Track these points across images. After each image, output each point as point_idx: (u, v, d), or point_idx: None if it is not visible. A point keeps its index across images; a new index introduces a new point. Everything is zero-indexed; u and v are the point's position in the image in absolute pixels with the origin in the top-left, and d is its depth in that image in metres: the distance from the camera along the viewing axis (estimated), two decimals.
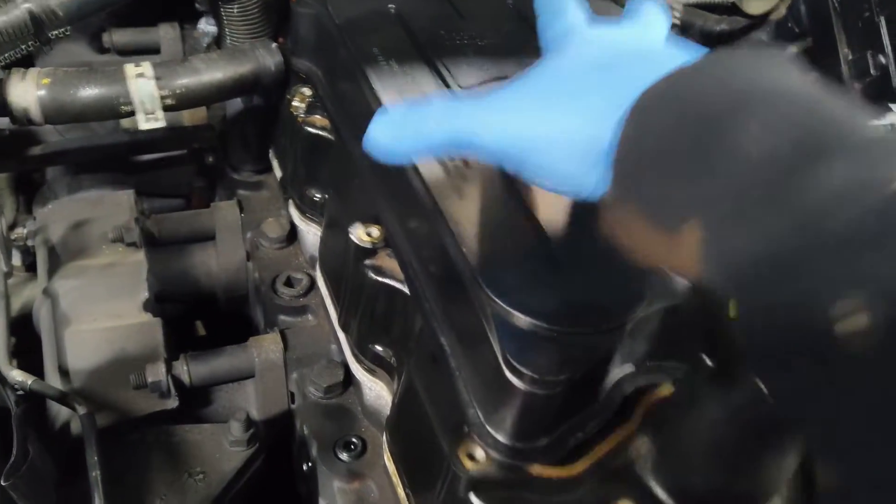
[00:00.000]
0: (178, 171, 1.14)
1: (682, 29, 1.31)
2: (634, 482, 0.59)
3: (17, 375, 0.77)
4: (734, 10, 1.36)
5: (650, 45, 0.56)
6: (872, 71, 1.03)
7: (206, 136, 1.09)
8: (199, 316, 1.11)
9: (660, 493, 0.58)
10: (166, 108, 0.84)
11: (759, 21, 1.23)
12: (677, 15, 1.22)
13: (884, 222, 0.35)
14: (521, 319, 0.57)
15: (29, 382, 0.76)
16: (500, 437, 0.58)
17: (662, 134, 0.46)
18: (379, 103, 0.78)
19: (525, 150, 0.53)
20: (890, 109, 1.07)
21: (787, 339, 0.37)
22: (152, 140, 1.07)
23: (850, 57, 1.05)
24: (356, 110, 0.82)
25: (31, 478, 0.65)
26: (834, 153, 0.39)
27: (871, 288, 0.34)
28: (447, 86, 0.81)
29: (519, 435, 0.57)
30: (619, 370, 0.60)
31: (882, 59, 1.02)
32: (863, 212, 0.36)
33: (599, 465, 0.59)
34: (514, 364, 0.55)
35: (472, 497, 0.57)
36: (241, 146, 1.05)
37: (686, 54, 0.51)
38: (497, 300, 0.58)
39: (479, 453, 0.57)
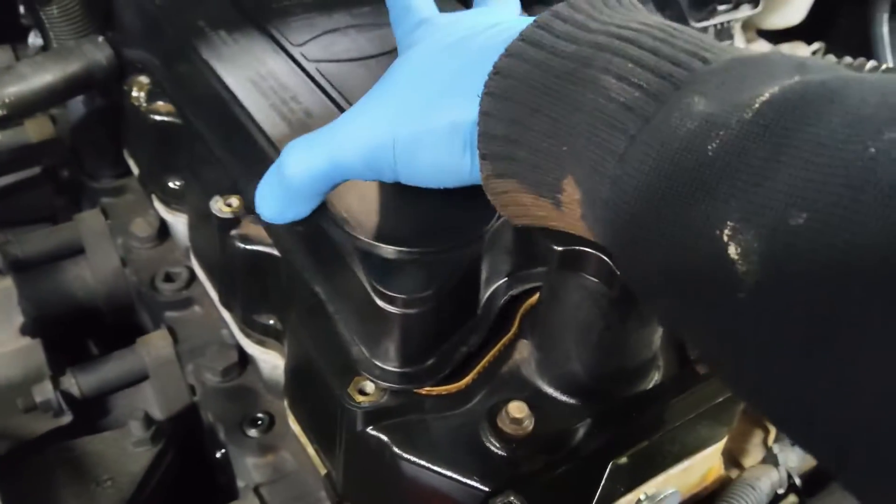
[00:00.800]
0: (35, 193, 1.10)
1: None
2: (522, 384, 0.61)
3: None
4: None
5: (502, 19, 0.55)
6: None
7: (56, 151, 1.05)
8: (89, 335, 1.08)
9: (547, 388, 0.61)
10: (0, 121, 0.81)
11: None
12: None
13: (751, 146, 0.35)
14: (382, 248, 0.58)
15: None
16: (388, 366, 0.58)
17: (522, 95, 0.45)
18: (216, 76, 0.77)
19: (395, 155, 0.52)
20: (716, 11, 1.13)
21: (677, 271, 0.38)
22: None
23: None
24: (196, 88, 0.81)
25: None
26: (692, 84, 0.39)
27: (747, 212, 0.34)
28: (280, 45, 0.81)
29: (404, 359, 0.58)
30: (492, 282, 0.62)
31: None
32: (731, 138, 0.35)
33: (486, 374, 0.61)
34: (382, 290, 0.56)
35: (370, 430, 0.58)
36: (94, 153, 1.02)
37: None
38: (356, 235, 0.58)
39: (369, 386, 0.58)
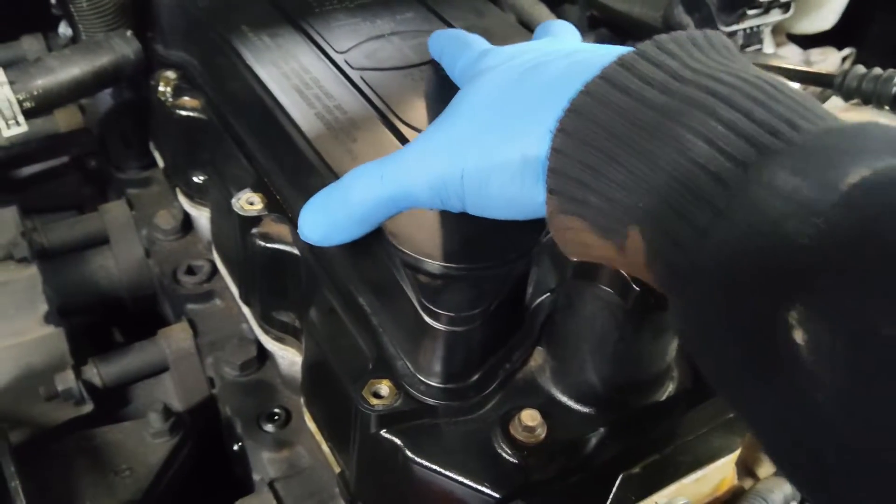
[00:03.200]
0: (63, 181, 1.11)
1: None
2: (536, 392, 0.61)
3: None
4: None
5: (574, 48, 0.52)
6: None
7: (84, 141, 1.06)
8: (113, 323, 1.09)
9: (561, 397, 0.61)
10: (27, 112, 0.82)
11: None
12: None
13: (833, 233, 0.33)
14: (430, 264, 0.58)
15: None
16: (432, 382, 0.58)
17: (600, 140, 0.43)
18: (256, 79, 0.77)
19: (462, 187, 0.51)
20: (746, 15, 1.12)
21: (750, 362, 0.36)
22: (29, 152, 1.04)
23: None
24: (236, 90, 0.81)
25: None
26: (785, 157, 0.37)
27: (819, 303, 0.32)
28: (323, 52, 0.81)
29: (448, 376, 0.58)
30: (536, 297, 0.61)
31: None
32: (813, 221, 0.33)
33: (502, 382, 0.61)
34: (430, 307, 0.56)
35: (383, 433, 0.58)
36: (121, 145, 1.03)
37: (613, 50, 0.47)
38: (404, 249, 0.59)
39: (384, 390, 0.59)
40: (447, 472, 0.57)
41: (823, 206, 0.34)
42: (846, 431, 0.32)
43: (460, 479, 0.56)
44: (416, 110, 0.73)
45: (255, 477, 0.78)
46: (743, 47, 1.15)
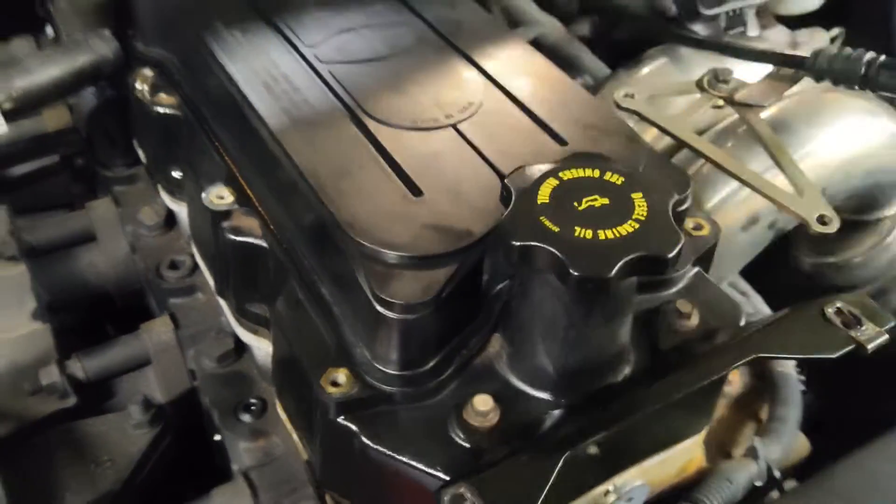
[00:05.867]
0: (52, 181, 1.14)
1: None
2: (493, 377, 0.62)
3: None
4: None
5: None
6: None
7: (72, 140, 1.08)
8: (103, 319, 1.11)
9: (517, 382, 0.62)
10: (8, 113, 0.84)
11: None
12: None
13: None
14: (382, 253, 0.59)
15: None
16: (389, 370, 0.60)
17: None
18: (227, 74, 0.78)
19: None
20: (745, 24, 1.11)
21: None
22: (18, 152, 1.06)
23: None
24: (209, 86, 0.83)
25: None
26: None
27: None
28: (293, 46, 0.82)
29: (405, 363, 0.60)
30: (494, 285, 0.62)
31: None
32: None
33: (458, 368, 0.62)
34: (382, 296, 0.57)
35: (341, 420, 0.59)
36: (106, 142, 1.05)
37: None
38: (358, 239, 0.60)
39: (341, 378, 0.60)
40: (402, 458, 0.58)
41: None
42: None
43: (414, 463, 0.57)
44: (382, 102, 0.74)
45: (234, 466, 0.80)
46: (726, 29, 1.15)
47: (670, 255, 0.52)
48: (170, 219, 0.98)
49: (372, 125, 0.71)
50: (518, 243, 0.53)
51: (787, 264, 1.11)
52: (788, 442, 0.81)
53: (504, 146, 0.69)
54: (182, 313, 0.90)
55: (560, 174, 0.57)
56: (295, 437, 0.73)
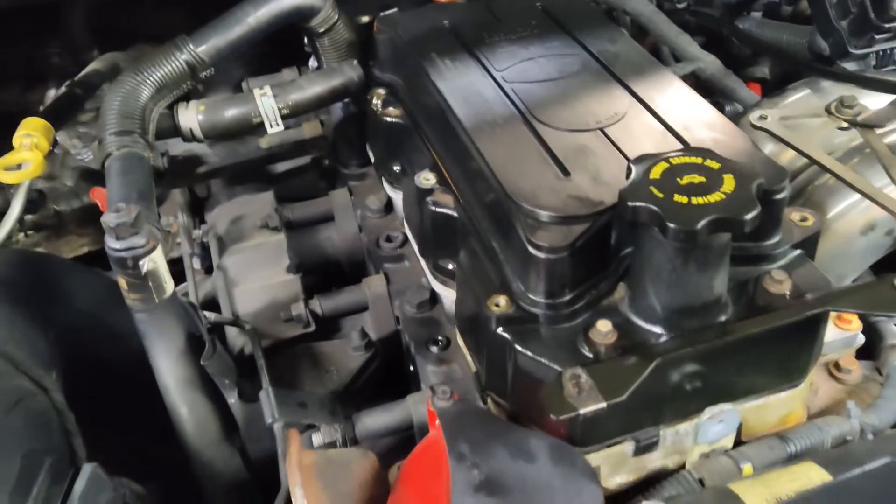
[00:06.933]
0: (305, 177, 1.48)
1: (702, 2, 1.51)
2: (616, 314, 0.83)
3: (207, 314, 1.11)
4: None
5: None
6: (853, 9, 1.20)
7: (321, 145, 1.42)
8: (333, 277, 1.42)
9: (634, 318, 0.82)
10: (284, 117, 1.17)
11: None
12: None
13: None
14: (535, 212, 0.83)
15: (212, 317, 1.10)
16: (538, 297, 0.83)
17: None
18: (438, 91, 1.06)
19: None
20: (875, 39, 1.24)
21: None
22: (282, 153, 1.41)
23: (835, 1, 1.22)
24: (425, 100, 1.11)
25: (218, 364, 0.98)
26: None
27: None
28: (487, 71, 1.09)
29: (548, 293, 0.82)
30: (623, 248, 0.84)
31: None
32: None
33: (589, 303, 0.83)
34: (534, 241, 0.81)
35: (499, 331, 0.83)
36: (347, 147, 1.37)
37: None
38: (519, 202, 0.84)
39: (502, 301, 0.83)
40: (541, 359, 0.80)
41: None
42: None
43: (549, 363, 0.79)
44: (548, 111, 0.98)
45: (423, 386, 1.05)
46: (876, 67, 1.27)
47: (745, 218, 0.71)
48: (389, 205, 1.27)
49: (539, 127, 0.95)
50: (631, 203, 0.74)
51: None
52: (887, 417, 0.93)
53: (638, 144, 0.90)
54: (392, 274, 1.18)
55: (671, 159, 0.78)
56: (469, 358, 0.97)
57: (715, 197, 0.73)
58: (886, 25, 1.20)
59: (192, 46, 1.14)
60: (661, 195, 0.74)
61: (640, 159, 0.79)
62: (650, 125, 0.95)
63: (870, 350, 1.05)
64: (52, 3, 1.23)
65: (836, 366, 1.02)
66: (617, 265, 0.84)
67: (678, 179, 0.76)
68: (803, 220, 0.90)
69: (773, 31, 1.42)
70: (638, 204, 0.74)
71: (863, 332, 0.96)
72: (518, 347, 0.82)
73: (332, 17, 1.23)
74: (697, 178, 0.76)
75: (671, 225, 0.72)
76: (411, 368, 1.10)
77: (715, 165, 0.77)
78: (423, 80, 1.10)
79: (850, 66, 1.26)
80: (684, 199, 0.73)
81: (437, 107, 1.05)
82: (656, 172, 0.77)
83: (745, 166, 0.78)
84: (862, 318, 0.95)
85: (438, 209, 0.99)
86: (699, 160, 0.78)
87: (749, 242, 0.87)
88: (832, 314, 0.93)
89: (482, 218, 0.92)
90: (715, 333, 0.80)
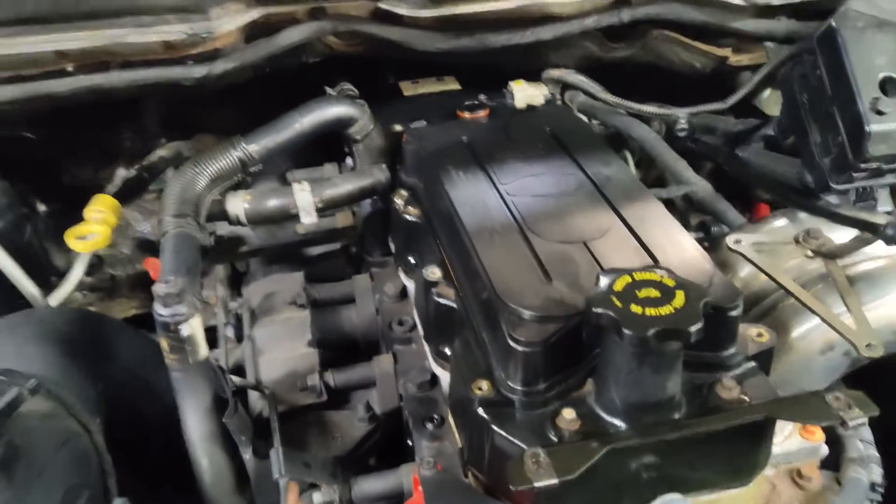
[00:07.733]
0: (335, 261, 1.64)
1: (706, 131, 1.67)
2: (583, 404, 0.95)
3: (234, 378, 1.25)
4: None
5: None
6: (833, 149, 1.34)
7: (351, 234, 1.58)
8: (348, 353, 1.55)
9: (597, 409, 0.94)
10: (318, 210, 1.34)
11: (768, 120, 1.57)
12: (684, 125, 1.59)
13: None
14: (518, 311, 0.97)
15: (238, 381, 1.24)
16: (515, 385, 0.96)
17: None
18: (448, 198, 1.22)
19: None
20: (853, 177, 1.36)
21: None
22: (316, 239, 1.57)
23: (818, 140, 1.36)
24: (438, 204, 1.27)
25: (238, 423, 1.11)
26: None
27: None
28: (493, 183, 1.24)
29: (524, 381, 0.95)
30: (595, 347, 0.97)
31: (839, 139, 1.32)
32: None
33: (560, 393, 0.96)
34: (513, 336, 0.94)
35: (480, 411, 0.95)
36: (372, 238, 1.53)
37: None
38: (505, 300, 0.98)
39: (485, 386, 0.96)
40: (513, 440, 0.92)
41: None
42: None
43: (520, 443, 0.91)
44: (541, 223, 1.13)
45: (417, 458, 1.17)
46: (855, 202, 1.40)
47: (690, 329, 0.84)
48: (403, 292, 1.42)
49: (531, 237, 1.10)
50: (595, 310, 0.88)
51: None
52: None
53: (614, 258, 1.04)
54: (401, 354, 1.31)
55: (634, 274, 0.92)
56: (457, 435, 1.09)
57: (666, 310, 0.86)
58: (863, 165, 1.33)
59: (244, 145, 1.33)
60: (620, 304, 0.87)
61: (609, 272, 0.93)
62: (628, 242, 1.09)
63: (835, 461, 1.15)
64: (131, 98, 1.43)
65: (799, 473, 1.11)
66: (588, 362, 0.97)
67: (637, 292, 0.89)
68: (759, 335, 1.02)
69: (769, 162, 1.56)
70: (600, 310, 0.87)
71: (828, 443, 1.07)
72: (494, 427, 0.94)
73: (368, 127, 1.41)
74: (654, 293, 0.89)
75: (626, 331, 0.85)
76: (409, 442, 1.22)
77: (671, 283, 0.90)
78: (438, 186, 1.26)
79: (832, 199, 1.39)
80: (639, 310, 0.87)
81: (447, 211, 1.21)
82: (620, 284, 0.90)
83: (697, 286, 0.91)
84: (826, 430, 1.06)
85: (441, 300, 1.14)
86: (658, 277, 0.91)
87: (706, 352, 0.99)
88: (797, 426, 1.04)
89: (476, 311, 1.06)
90: (667, 428, 0.91)
